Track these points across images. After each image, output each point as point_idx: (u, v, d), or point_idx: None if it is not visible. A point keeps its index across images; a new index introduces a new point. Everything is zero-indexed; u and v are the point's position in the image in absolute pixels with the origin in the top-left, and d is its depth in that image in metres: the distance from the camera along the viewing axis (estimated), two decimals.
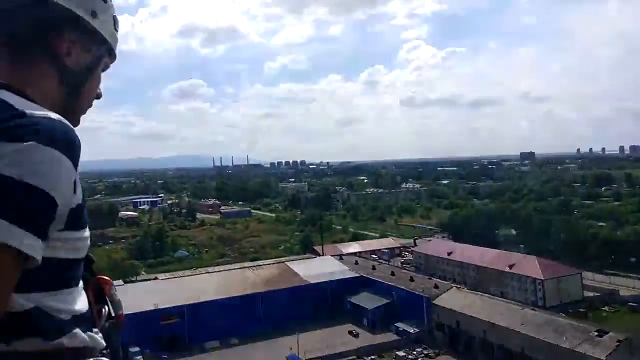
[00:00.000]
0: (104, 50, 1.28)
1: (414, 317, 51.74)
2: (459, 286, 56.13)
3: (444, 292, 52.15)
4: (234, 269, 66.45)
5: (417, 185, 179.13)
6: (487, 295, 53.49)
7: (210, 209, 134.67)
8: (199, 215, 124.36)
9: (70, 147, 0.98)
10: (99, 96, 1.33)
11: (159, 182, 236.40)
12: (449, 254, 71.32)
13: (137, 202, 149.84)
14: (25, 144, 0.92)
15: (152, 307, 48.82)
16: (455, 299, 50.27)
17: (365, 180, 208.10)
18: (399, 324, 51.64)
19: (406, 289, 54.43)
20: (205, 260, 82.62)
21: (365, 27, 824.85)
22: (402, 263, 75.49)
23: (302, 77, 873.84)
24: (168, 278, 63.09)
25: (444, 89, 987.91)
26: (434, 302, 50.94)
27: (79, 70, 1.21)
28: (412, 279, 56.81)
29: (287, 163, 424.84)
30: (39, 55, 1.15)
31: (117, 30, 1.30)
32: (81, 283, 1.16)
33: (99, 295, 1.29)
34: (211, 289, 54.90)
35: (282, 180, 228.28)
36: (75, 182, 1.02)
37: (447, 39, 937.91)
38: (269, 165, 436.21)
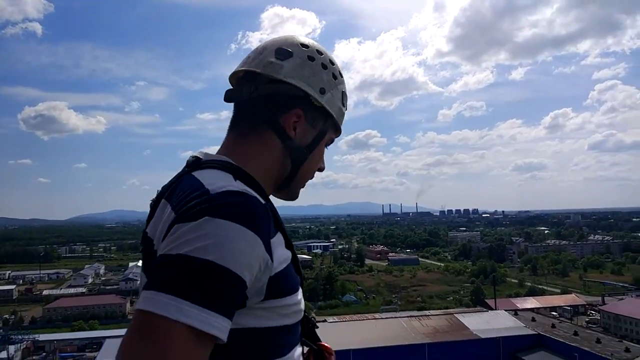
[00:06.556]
0: (329, 125, 1.20)
1: None
2: None
3: (638, 357, 45.48)
4: (401, 317, 66.31)
5: (608, 238, 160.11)
6: None
7: (378, 255, 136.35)
8: (367, 261, 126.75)
9: (250, 218, 0.88)
10: (321, 169, 1.26)
11: (331, 227, 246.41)
12: None
13: (310, 246, 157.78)
14: (196, 222, 0.86)
15: None
16: None
17: (546, 231, 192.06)
18: None
19: (591, 351, 48.68)
20: (372, 305, 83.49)
21: (551, 69, 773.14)
22: (587, 322, 67.99)
23: (477, 123, 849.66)
24: (336, 322, 65.07)
25: None
26: None
27: (303, 145, 1.16)
28: (599, 341, 50.62)
29: (457, 211, 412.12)
30: (265, 131, 1.12)
31: (344, 106, 1.24)
32: (299, 350, 1.10)
33: None
34: (378, 336, 55.06)
35: (451, 228, 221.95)
36: (270, 251, 0.92)
37: None
38: (438, 213, 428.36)
